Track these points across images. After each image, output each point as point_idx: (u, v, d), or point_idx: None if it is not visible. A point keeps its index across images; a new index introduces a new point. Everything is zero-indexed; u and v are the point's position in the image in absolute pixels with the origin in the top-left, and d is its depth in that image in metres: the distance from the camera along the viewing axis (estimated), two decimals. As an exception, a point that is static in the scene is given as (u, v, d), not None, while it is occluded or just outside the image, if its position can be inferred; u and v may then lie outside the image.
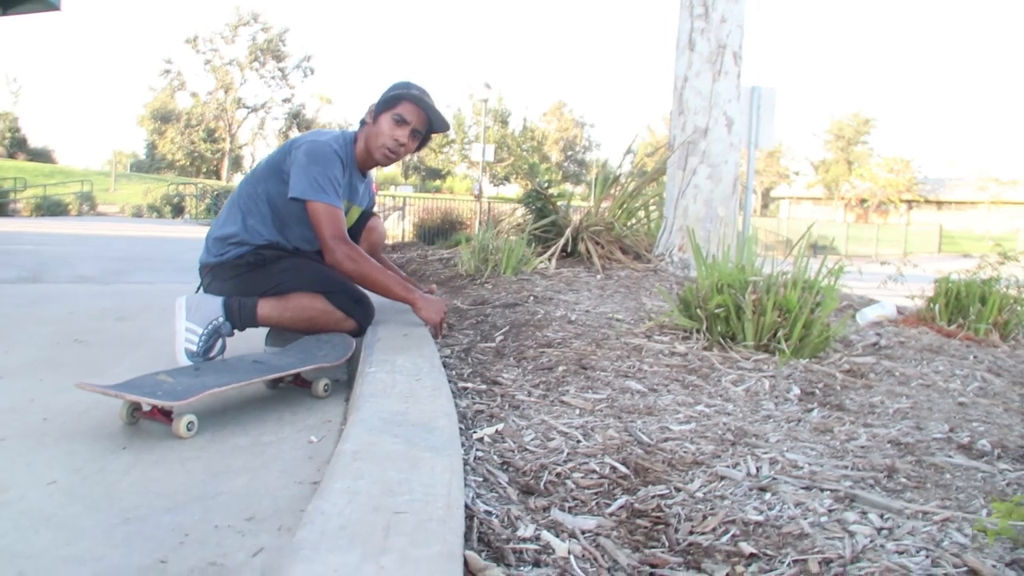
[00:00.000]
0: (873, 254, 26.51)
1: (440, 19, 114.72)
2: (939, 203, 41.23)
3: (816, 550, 1.00)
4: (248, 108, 48.10)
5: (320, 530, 0.87)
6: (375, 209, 2.69)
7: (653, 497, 1.19)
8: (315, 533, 0.87)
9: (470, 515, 1.06)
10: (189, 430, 1.51)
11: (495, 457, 1.34)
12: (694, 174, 4.28)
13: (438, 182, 49.03)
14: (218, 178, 44.21)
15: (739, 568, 0.97)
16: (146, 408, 1.54)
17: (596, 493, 1.21)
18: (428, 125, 2.34)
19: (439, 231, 14.21)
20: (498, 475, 1.26)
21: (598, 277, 3.67)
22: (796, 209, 45.08)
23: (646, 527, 1.10)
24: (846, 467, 1.33)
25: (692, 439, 1.46)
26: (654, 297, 3.19)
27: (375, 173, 3.80)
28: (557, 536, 1.05)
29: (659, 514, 1.13)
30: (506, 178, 44.68)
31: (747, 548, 1.02)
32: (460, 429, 1.41)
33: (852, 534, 1.05)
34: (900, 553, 1.00)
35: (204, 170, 47.43)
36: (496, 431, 1.47)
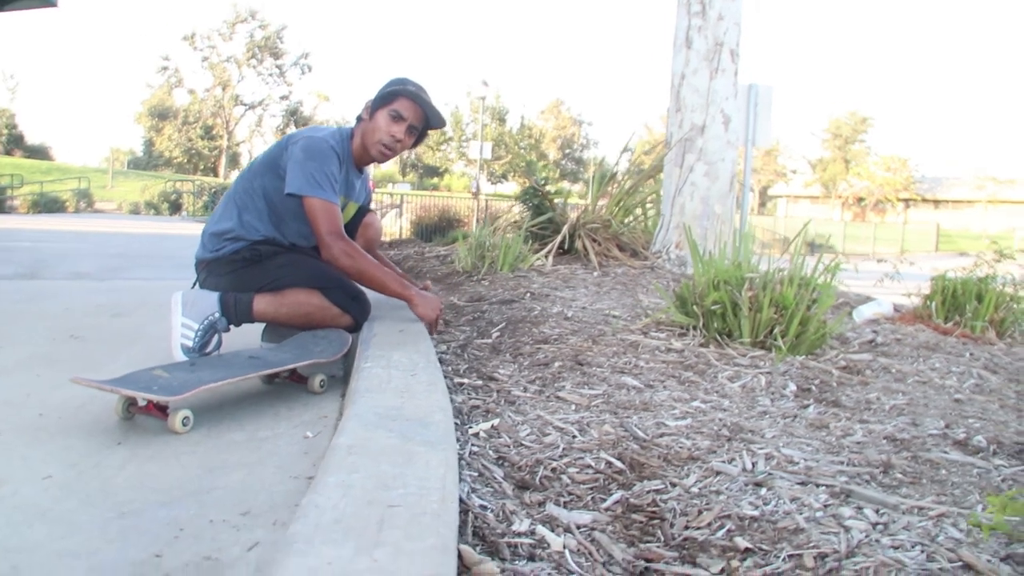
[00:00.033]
0: (870, 252, 26.52)
1: (438, 16, 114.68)
2: (936, 202, 41.34)
3: (811, 545, 1.01)
4: (246, 105, 48.00)
5: (314, 524, 0.87)
6: (371, 205, 2.68)
7: (648, 492, 1.19)
8: (309, 527, 0.87)
9: (465, 509, 1.06)
10: (185, 425, 1.50)
11: (490, 452, 1.34)
12: (691, 171, 4.28)
13: (436, 179, 49.03)
14: (215, 175, 44.11)
15: (734, 563, 0.97)
16: (142, 403, 1.54)
17: (591, 488, 1.21)
18: (425, 121, 2.34)
19: (436, 228, 14.19)
20: (493, 470, 1.26)
21: (595, 274, 3.67)
22: (793, 207, 45.14)
23: (641, 522, 1.10)
24: (842, 463, 1.33)
25: (688, 435, 1.46)
26: (651, 294, 3.19)
27: (372, 170, 3.80)
28: (552, 531, 1.05)
29: (654, 509, 1.13)
30: (504, 176, 44.69)
31: (742, 543, 1.02)
32: (456, 424, 1.41)
33: (847, 529, 1.05)
34: (895, 548, 1.00)
35: (201, 167, 47.33)
36: (492, 426, 1.47)
